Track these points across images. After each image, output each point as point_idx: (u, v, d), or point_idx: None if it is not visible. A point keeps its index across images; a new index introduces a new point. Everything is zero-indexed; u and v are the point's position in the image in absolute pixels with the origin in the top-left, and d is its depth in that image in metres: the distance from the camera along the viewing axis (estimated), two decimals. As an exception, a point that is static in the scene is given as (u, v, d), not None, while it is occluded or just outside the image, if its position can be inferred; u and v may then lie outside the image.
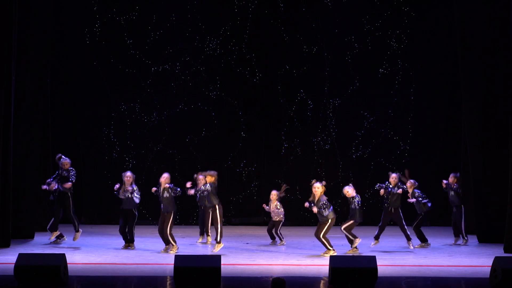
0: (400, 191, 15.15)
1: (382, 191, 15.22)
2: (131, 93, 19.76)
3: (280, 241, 15.99)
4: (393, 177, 15.35)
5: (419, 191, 15.62)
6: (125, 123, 19.76)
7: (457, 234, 16.10)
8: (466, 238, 15.93)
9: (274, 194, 16.12)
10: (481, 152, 16.31)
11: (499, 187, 15.97)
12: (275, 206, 16.04)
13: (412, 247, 15.20)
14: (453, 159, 19.18)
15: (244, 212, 19.81)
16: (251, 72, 19.81)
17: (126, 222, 15.11)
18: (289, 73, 19.79)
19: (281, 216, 16.04)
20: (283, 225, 16.22)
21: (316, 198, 14.34)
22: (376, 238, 15.14)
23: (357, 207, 14.62)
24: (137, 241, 15.96)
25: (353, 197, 14.70)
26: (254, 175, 19.83)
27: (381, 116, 19.85)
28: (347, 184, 15.09)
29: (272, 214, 16.09)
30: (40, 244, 15.50)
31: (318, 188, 14.38)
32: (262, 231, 17.75)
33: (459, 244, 15.90)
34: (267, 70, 19.85)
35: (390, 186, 15.21)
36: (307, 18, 19.71)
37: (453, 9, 16.86)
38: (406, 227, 15.25)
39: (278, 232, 16.03)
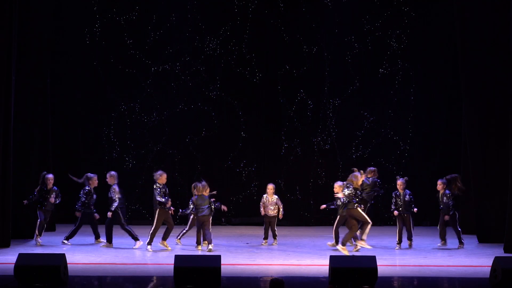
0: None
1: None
2: (131, 93, 19.77)
3: (273, 240, 15.94)
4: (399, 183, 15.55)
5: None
6: (125, 123, 19.76)
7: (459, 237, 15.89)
8: (462, 241, 15.64)
9: (271, 188, 16.08)
10: (481, 152, 16.32)
11: (499, 187, 15.97)
12: (272, 199, 15.98)
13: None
14: (453, 159, 19.19)
15: (244, 212, 19.80)
16: (251, 72, 19.81)
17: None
18: (289, 73, 19.79)
19: (276, 210, 15.96)
20: (282, 224, 16.21)
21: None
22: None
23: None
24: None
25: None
26: (254, 175, 19.83)
27: (381, 116, 19.85)
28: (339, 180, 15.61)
29: (267, 209, 16.00)
30: (40, 244, 15.49)
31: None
32: (262, 231, 17.75)
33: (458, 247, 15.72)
34: (267, 70, 19.85)
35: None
36: (307, 18, 19.71)
37: (453, 9, 16.87)
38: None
39: (275, 228, 15.98)
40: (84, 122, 19.74)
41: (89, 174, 15.87)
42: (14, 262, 10.91)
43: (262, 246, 15.75)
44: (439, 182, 15.58)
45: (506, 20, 15.41)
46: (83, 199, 15.62)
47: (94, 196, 15.80)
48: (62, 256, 11.03)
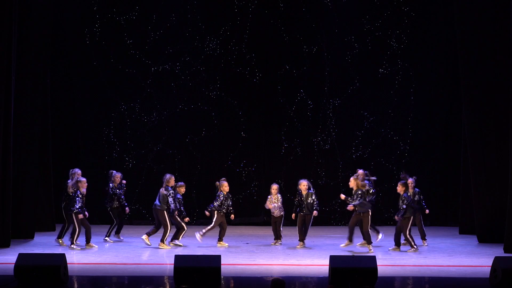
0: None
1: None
2: (131, 93, 19.77)
3: (278, 240, 15.96)
4: (409, 182, 15.54)
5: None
6: (125, 123, 19.76)
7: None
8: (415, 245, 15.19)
9: (275, 188, 16.10)
10: (481, 152, 16.31)
11: (499, 187, 15.97)
12: (276, 199, 16.00)
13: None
14: (453, 159, 19.20)
15: (244, 212, 19.80)
16: (251, 72, 19.80)
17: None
18: (289, 73, 19.79)
19: (283, 211, 16.01)
20: (282, 224, 16.22)
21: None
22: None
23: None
24: (137, 241, 15.99)
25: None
26: (254, 175, 19.83)
27: (381, 116, 19.84)
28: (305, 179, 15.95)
29: (273, 210, 16.01)
30: (40, 244, 15.50)
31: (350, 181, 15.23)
32: (262, 231, 17.82)
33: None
34: (267, 70, 19.85)
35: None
36: (307, 18, 19.71)
37: (453, 9, 16.87)
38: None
39: (280, 229, 16.00)
40: (84, 122, 19.74)
41: (113, 172, 16.43)
42: (14, 262, 10.92)
43: (272, 246, 15.78)
44: (410, 181, 15.46)
45: (506, 20, 15.41)
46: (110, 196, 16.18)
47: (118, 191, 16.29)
48: (62, 256, 11.04)
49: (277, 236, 16.02)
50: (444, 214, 19.70)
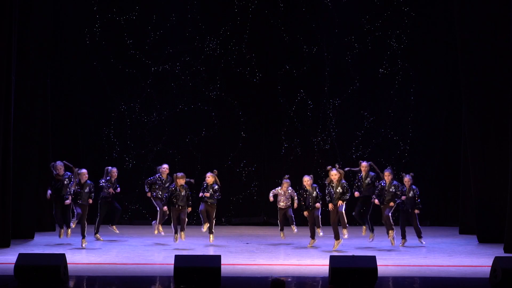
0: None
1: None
2: (131, 93, 19.77)
3: (292, 225, 15.87)
4: (387, 174, 15.57)
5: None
6: (125, 123, 19.76)
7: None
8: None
9: (286, 184, 16.05)
10: (481, 152, 16.32)
11: (499, 187, 15.98)
12: (286, 190, 15.93)
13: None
14: (453, 159, 19.20)
15: (244, 212, 19.81)
16: (251, 72, 19.81)
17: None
18: (289, 73, 19.79)
19: (289, 202, 15.96)
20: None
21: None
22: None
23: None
24: (137, 241, 15.99)
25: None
26: (254, 175, 19.83)
27: (381, 116, 19.84)
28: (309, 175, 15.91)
29: (280, 198, 15.92)
30: (40, 244, 15.50)
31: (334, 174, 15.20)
32: (262, 231, 17.81)
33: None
34: (267, 70, 19.85)
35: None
36: (307, 18, 19.71)
37: (453, 8, 16.87)
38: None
39: (291, 214, 15.86)
40: (84, 122, 19.74)
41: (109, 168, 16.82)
42: (14, 262, 10.92)
43: (269, 246, 15.75)
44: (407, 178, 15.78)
45: (506, 20, 15.42)
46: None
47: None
48: (62, 256, 11.05)
49: (283, 228, 15.93)
50: (444, 214, 19.71)
